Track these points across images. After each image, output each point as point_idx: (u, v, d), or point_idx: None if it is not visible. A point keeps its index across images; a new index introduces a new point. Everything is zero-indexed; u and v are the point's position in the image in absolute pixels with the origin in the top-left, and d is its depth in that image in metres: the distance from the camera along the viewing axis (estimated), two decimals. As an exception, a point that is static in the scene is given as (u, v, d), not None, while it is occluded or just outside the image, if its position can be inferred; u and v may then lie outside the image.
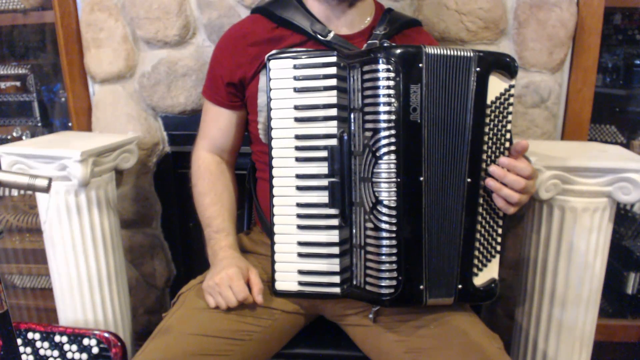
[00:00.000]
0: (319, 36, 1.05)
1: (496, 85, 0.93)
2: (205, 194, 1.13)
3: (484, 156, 0.93)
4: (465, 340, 0.94)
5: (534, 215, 1.29)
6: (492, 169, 0.93)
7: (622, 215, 1.79)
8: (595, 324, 1.30)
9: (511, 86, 0.94)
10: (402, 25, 1.14)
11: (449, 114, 0.91)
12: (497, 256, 0.99)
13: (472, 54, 0.91)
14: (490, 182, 0.93)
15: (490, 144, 0.93)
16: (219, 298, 0.98)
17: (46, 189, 0.73)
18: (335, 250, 0.97)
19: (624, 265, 1.75)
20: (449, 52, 0.90)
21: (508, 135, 0.95)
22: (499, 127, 0.94)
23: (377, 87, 0.88)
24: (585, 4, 1.40)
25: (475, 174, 0.93)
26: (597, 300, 1.28)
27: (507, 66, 0.93)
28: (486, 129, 0.93)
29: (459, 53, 0.91)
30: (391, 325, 1.01)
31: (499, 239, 0.98)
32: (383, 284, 0.91)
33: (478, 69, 0.91)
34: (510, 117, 0.95)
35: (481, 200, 0.95)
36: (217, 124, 1.16)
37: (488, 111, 0.93)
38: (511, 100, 0.94)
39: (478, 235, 0.96)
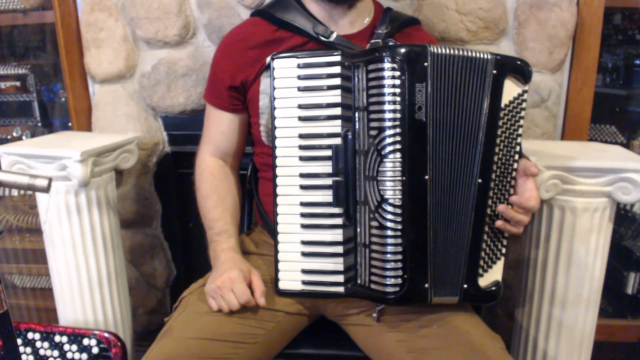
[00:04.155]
0: (322, 37, 1.05)
1: (510, 90, 0.94)
2: (208, 196, 1.13)
3: (495, 158, 0.94)
4: (467, 341, 0.94)
5: (534, 215, 1.29)
6: (501, 209, 0.94)
7: (622, 215, 1.79)
8: (595, 324, 1.30)
9: (524, 91, 0.95)
10: (402, 23, 1.14)
11: (460, 114, 0.92)
12: (502, 259, 0.99)
13: (489, 57, 0.92)
14: (498, 223, 0.95)
15: (502, 147, 0.94)
16: (221, 301, 0.98)
17: (46, 189, 0.73)
18: (339, 249, 0.97)
19: (624, 265, 1.75)
20: (459, 53, 0.91)
21: (519, 139, 0.96)
22: (511, 130, 0.95)
23: (383, 86, 0.89)
24: (585, 4, 1.40)
25: (486, 176, 0.94)
26: (597, 300, 1.28)
27: (521, 71, 0.94)
28: (499, 132, 0.94)
29: (474, 55, 0.91)
30: (393, 325, 1.01)
31: (505, 242, 0.99)
32: (388, 283, 0.91)
33: (495, 71, 0.92)
34: (522, 122, 0.96)
35: (490, 202, 0.95)
36: (220, 128, 1.16)
37: (501, 114, 0.93)
38: (524, 105, 0.95)
39: (485, 237, 0.96)
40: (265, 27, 1.10)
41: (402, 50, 0.89)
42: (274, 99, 0.98)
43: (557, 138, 1.52)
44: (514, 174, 0.97)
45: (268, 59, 1.01)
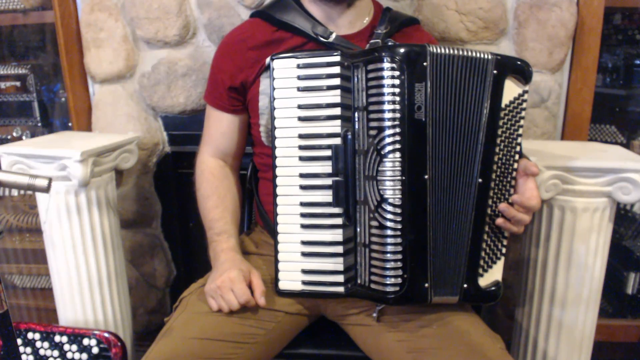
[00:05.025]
0: (321, 38, 1.05)
1: (511, 90, 0.94)
2: (208, 197, 1.13)
3: (496, 158, 0.94)
4: (467, 341, 0.94)
5: (534, 215, 1.29)
6: (503, 207, 0.94)
7: (622, 215, 1.79)
8: (595, 324, 1.30)
9: (525, 91, 0.96)
10: (402, 23, 1.14)
11: (460, 113, 0.92)
12: (502, 258, 0.99)
13: (490, 57, 0.92)
14: (499, 221, 0.95)
15: (502, 147, 0.95)
16: (221, 301, 0.98)
17: (46, 189, 0.73)
18: (339, 249, 0.97)
19: (624, 265, 1.75)
20: (459, 53, 0.91)
21: (519, 140, 0.96)
22: (512, 130, 0.95)
23: (382, 86, 0.89)
24: (585, 4, 1.40)
25: (486, 175, 0.94)
26: (597, 301, 1.28)
27: (522, 71, 0.95)
28: (499, 132, 0.94)
29: (474, 54, 0.92)
30: (393, 325, 1.01)
31: (505, 242, 0.99)
32: (388, 282, 0.91)
33: (495, 71, 0.92)
34: (522, 122, 0.96)
35: (490, 202, 0.95)
36: (220, 129, 1.16)
37: (502, 114, 0.94)
38: (524, 105, 0.96)
39: (485, 237, 0.96)
40: (264, 28, 1.10)
41: (402, 50, 0.89)
42: (274, 99, 0.98)
43: (557, 138, 1.52)
44: (514, 173, 0.97)
45: (268, 60, 1.01)
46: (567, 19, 1.39)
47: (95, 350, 1.28)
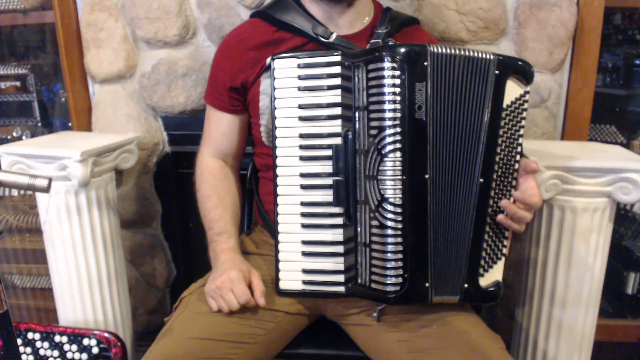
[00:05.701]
0: (321, 38, 1.05)
1: (512, 90, 0.94)
2: (208, 197, 1.13)
3: (497, 158, 0.94)
4: (467, 341, 0.94)
5: (534, 215, 1.29)
6: (504, 204, 0.94)
7: (622, 215, 1.79)
8: (595, 324, 1.30)
9: (526, 92, 0.96)
10: (402, 23, 1.15)
11: (461, 113, 0.92)
12: (503, 259, 0.99)
13: (492, 57, 0.92)
14: (500, 217, 0.95)
15: (503, 147, 0.94)
16: (221, 301, 0.98)
17: (46, 189, 0.73)
18: (340, 249, 0.97)
19: (624, 265, 1.75)
20: (460, 53, 0.91)
21: (520, 140, 0.96)
22: (513, 131, 0.95)
23: (383, 85, 0.89)
24: (585, 4, 1.40)
25: (487, 176, 0.94)
26: (597, 300, 1.28)
27: (524, 72, 0.94)
28: (500, 132, 0.94)
29: (476, 55, 0.91)
30: (393, 324, 1.01)
31: (506, 242, 0.99)
32: (389, 282, 0.91)
33: (497, 72, 0.92)
34: (523, 122, 0.96)
35: (491, 202, 0.95)
36: (220, 129, 1.16)
37: (503, 114, 0.94)
38: (525, 105, 0.96)
39: (486, 237, 0.96)
40: (265, 28, 1.10)
41: (402, 49, 0.89)
42: (275, 99, 0.98)
43: (557, 138, 1.52)
44: (515, 174, 0.96)
45: (268, 60, 1.01)
46: (567, 19, 1.39)
47: (95, 350, 1.28)
